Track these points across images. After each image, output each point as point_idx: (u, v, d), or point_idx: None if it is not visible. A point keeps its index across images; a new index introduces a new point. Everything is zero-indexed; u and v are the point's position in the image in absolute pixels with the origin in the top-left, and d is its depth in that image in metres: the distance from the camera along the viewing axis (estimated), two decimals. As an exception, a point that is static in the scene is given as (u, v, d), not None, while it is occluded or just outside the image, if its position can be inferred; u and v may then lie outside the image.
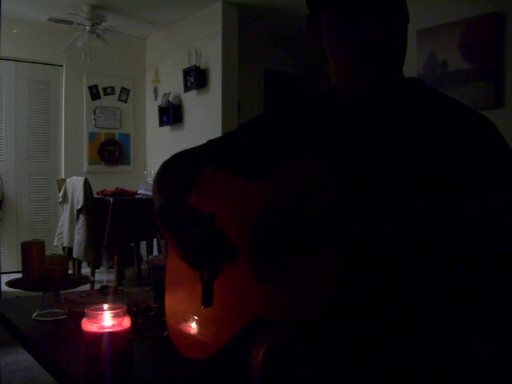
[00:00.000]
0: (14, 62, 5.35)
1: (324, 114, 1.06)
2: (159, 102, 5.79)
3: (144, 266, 4.87)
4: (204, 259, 0.99)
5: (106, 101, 5.90)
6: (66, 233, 4.53)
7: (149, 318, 1.31)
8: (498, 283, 0.83)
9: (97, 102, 5.84)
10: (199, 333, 1.07)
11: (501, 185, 0.65)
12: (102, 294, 1.65)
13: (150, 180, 4.81)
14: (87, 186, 4.33)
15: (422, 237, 0.84)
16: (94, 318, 0.95)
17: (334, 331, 0.89)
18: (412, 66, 3.81)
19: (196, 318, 1.08)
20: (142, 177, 5.43)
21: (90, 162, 5.80)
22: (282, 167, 0.99)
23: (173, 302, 1.16)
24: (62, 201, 4.70)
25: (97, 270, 4.64)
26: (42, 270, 1.45)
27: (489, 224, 0.66)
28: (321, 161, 0.92)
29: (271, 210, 0.99)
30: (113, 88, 5.94)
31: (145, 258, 5.01)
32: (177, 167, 1.20)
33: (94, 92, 5.82)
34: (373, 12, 0.89)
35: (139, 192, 4.64)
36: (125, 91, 6.01)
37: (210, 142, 1.22)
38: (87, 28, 4.81)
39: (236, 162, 1.15)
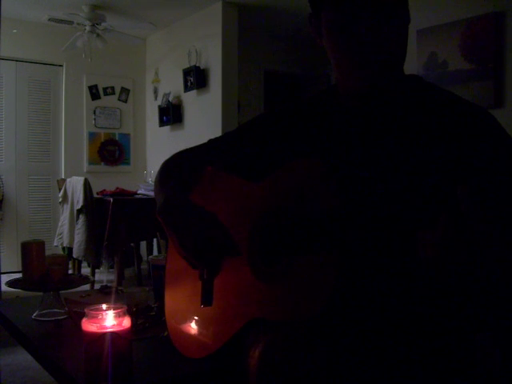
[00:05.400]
0: (14, 62, 5.35)
1: (324, 113, 1.06)
2: (159, 102, 5.79)
3: (144, 266, 4.87)
4: (204, 256, 0.99)
5: (106, 101, 5.90)
6: (66, 233, 4.53)
7: (149, 318, 1.31)
8: (497, 281, 0.83)
9: (97, 102, 5.84)
10: (198, 331, 1.07)
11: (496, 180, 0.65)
12: (102, 294, 1.65)
13: (150, 180, 4.82)
14: (87, 186, 4.33)
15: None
16: (94, 317, 0.95)
17: (332, 331, 0.89)
18: (412, 66, 3.80)
19: (195, 316, 1.08)
20: (141, 177, 5.43)
21: (90, 162, 5.80)
22: (282, 167, 0.99)
23: (173, 300, 1.16)
24: (62, 201, 4.70)
25: (97, 270, 4.64)
26: (42, 270, 1.45)
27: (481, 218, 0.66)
28: (322, 161, 0.92)
29: (272, 209, 0.99)
30: (113, 88, 5.93)
31: (145, 257, 5.01)
32: (178, 166, 1.20)
33: (94, 92, 5.82)
34: (370, 13, 0.89)
35: (139, 192, 4.64)
36: (125, 91, 6.01)
37: (210, 141, 1.22)
38: (87, 28, 4.80)
39: (237, 161, 1.15)
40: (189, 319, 1.10)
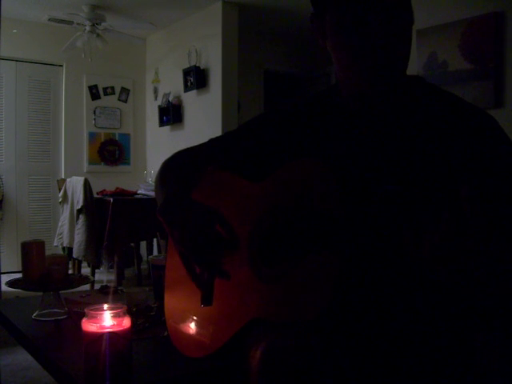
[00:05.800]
0: (14, 62, 5.35)
1: (325, 113, 1.06)
2: (159, 101, 5.79)
3: (144, 266, 4.87)
4: (205, 255, 0.99)
5: (106, 101, 5.90)
6: (66, 233, 4.53)
7: (149, 318, 1.31)
8: (497, 280, 0.83)
9: (97, 102, 5.84)
10: (198, 331, 1.07)
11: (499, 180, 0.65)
12: (102, 294, 1.65)
13: (150, 180, 4.82)
14: (87, 186, 4.33)
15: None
16: (94, 318, 0.95)
17: (333, 331, 0.89)
18: (412, 66, 3.80)
19: (195, 316, 1.08)
20: (141, 177, 5.43)
21: (90, 162, 5.80)
22: (283, 167, 0.99)
23: (172, 300, 1.16)
24: (62, 201, 4.70)
25: (97, 270, 4.64)
26: (42, 270, 1.45)
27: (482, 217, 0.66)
28: (323, 161, 0.92)
29: (272, 209, 0.99)
30: (113, 88, 5.93)
31: (145, 257, 5.01)
32: (178, 165, 1.20)
33: (94, 92, 5.82)
34: (379, 14, 0.88)
35: (139, 192, 4.64)
36: (125, 91, 6.01)
37: (211, 140, 1.22)
38: (87, 28, 4.81)
39: (237, 161, 1.15)
40: (189, 319, 1.09)
